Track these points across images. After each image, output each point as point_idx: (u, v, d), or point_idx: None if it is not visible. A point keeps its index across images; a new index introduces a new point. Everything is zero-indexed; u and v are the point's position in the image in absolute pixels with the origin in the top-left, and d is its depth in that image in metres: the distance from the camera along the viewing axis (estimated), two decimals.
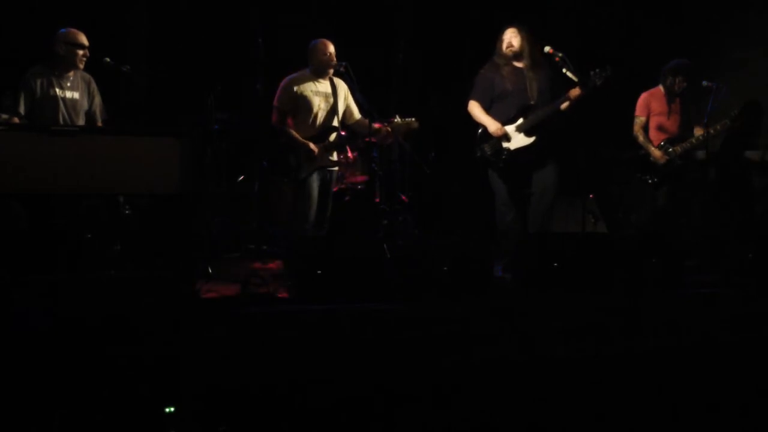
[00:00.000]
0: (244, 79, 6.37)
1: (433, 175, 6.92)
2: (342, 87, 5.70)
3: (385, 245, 4.88)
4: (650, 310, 4.69)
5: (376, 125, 5.73)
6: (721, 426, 3.71)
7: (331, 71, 5.60)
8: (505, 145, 5.71)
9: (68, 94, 5.14)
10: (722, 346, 4.48)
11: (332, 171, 5.72)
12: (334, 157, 5.71)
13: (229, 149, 6.24)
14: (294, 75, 5.62)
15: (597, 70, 5.54)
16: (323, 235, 5.60)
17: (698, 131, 6.06)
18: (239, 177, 6.57)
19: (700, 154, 6.20)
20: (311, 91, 5.57)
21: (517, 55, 5.68)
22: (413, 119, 5.86)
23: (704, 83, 5.95)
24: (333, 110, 5.64)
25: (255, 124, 6.19)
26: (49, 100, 5.05)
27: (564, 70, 5.56)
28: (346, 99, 5.73)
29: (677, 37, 7.17)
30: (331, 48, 5.56)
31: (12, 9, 6.08)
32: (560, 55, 5.59)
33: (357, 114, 5.79)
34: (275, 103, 5.60)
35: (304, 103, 5.55)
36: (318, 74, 5.59)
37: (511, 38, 5.66)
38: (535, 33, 5.75)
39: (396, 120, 5.83)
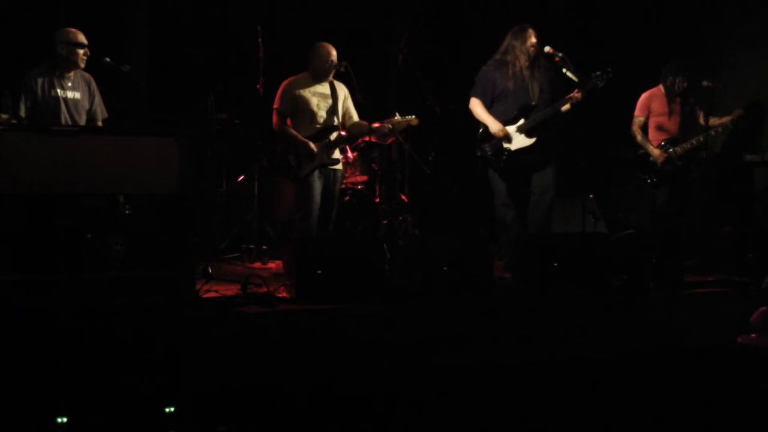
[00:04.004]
0: (244, 79, 6.36)
1: (433, 175, 6.92)
2: (342, 90, 5.69)
3: (385, 245, 4.87)
4: (650, 310, 4.69)
5: (376, 125, 5.73)
6: (721, 426, 3.72)
7: (331, 76, 5.59)
8: (505, 145, 5.71)
9: (70, 95, 5.14)
10: (722, 346, 4.48)
11: (336, 170, 5.68)
12: (336, 155, 5.69)
13: (229, 149, 6.24)
14: (293, 78, 5.61)
15: (598, 73, 5.54)
16: (328, 235, 5.59)
17: (711, 119, 6.03)
18: (239, 177, 6.58)
19: (701, 154, 6.20)
20: (310, 92, 5.57)
21: (531, 56, 5.67)
22: (413, 116, 5.87)
23: (704, 83, 5.95)
24: (333, 110, 5.63)
25: (255, 124, 6.19)
26: (51, 101, 5.05)
27: (564, 70, 5.56)
28: (345, 102, 5.72)
29: (677, 37, 7.17)
30: (334, 53, 5.53)
31: (12, 9, 6.08)
32: (560, 55, 5.59)
33: (355, 117, 5.78)
34: (275, 106, 5.59)
35: (304, 104, 5.55)
36: (318, 78, 5.58)
37: (535, 39, 5.64)
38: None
39: (396, 117, 5.83)
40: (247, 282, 4.58)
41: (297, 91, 5.54)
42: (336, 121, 5.66)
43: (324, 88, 5.61)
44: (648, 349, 4.44)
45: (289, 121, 5.58)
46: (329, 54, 5.52)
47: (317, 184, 5.55)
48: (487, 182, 5.89)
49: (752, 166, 6.64)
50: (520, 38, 5.67)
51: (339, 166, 5.72)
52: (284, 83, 5.60)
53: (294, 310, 4.21)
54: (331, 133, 5.61)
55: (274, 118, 5.58)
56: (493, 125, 5.69)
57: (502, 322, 4.42)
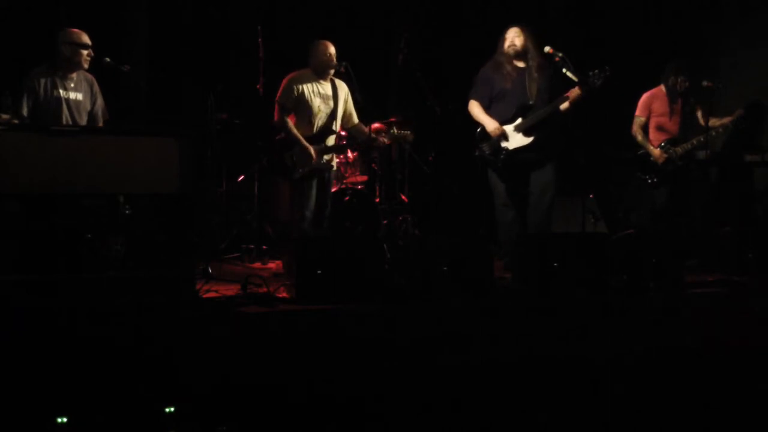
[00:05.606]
0: (244, 79, 6.37)
1: (433, 175, 6.92)
2: (343, 89, 5.71)
3: (385, 245, 4.87)
4: (650, 310, 4.69)
5: (375, 125, 5.73)
6: (720, 425, 3.72)
7: (332, 72, 5.60)
8: (503, 144, 5.71)
9: (72, 95, 5.12)
10: (722, 346, 4.48)
11: (330, 171, 5.72)
12: (333, 160, 5.72)
13: (229, 149, 6.25)
14: (296, 73, 5.62)
15: (596, 71, 5.54)
16: (323, 235, 5.60)
17: (711, 119, 6.03)
18: (239, 177, 6.58)
19: (701, 154, 6.20)
20: (312, 91, 5.57)
21: (519, 55, 5.69)
22: (408, 132, 5.94)
23: (704, 83, 5.95)
24: (332, 113, 5.64)
25: (255, 124, 6.19)
26: (53, 102, 5.03)
27: (564, 70, 5.56)
28: (346, 102, 5.73)
29: (677, 37, 7.17)
30: (332, 49, 5.56)
31: (12, 9, 6.08)
32: (560, 54, 5.59)
33: (356, 118, 5.80)
34: (277, 98, 5.60)
35: (304, 103, 5.55)
36: (319, 75, 5.60)
37: (514, 38, 5.68)
38: (535, 33, 5.76)
39: (393, 131, 5.88)
40: (247, 282, 4.58)
41: (299, 88, 5.54)
42: (335, 126, 5.67)
43: (326, 88, 5.62)
44: (648, 349, 4.43)
45: (290, 118, 5.58)
46: (327, 48, 5.56)
47: (312, 185, 5.56)
48: (486, 182, 5.89)
49: (752, 166, 6.64)
50: (501, 40, 5.73)
51: (332, 168, 5.74)
52: (287, 78, 5.61)
53: (294, 310, 4.21)
54: (328, 136, 5.63)
55: (276, 112, 5.59)
56: (490, 124, 5.69)
57: (502, 322, 4.42)
